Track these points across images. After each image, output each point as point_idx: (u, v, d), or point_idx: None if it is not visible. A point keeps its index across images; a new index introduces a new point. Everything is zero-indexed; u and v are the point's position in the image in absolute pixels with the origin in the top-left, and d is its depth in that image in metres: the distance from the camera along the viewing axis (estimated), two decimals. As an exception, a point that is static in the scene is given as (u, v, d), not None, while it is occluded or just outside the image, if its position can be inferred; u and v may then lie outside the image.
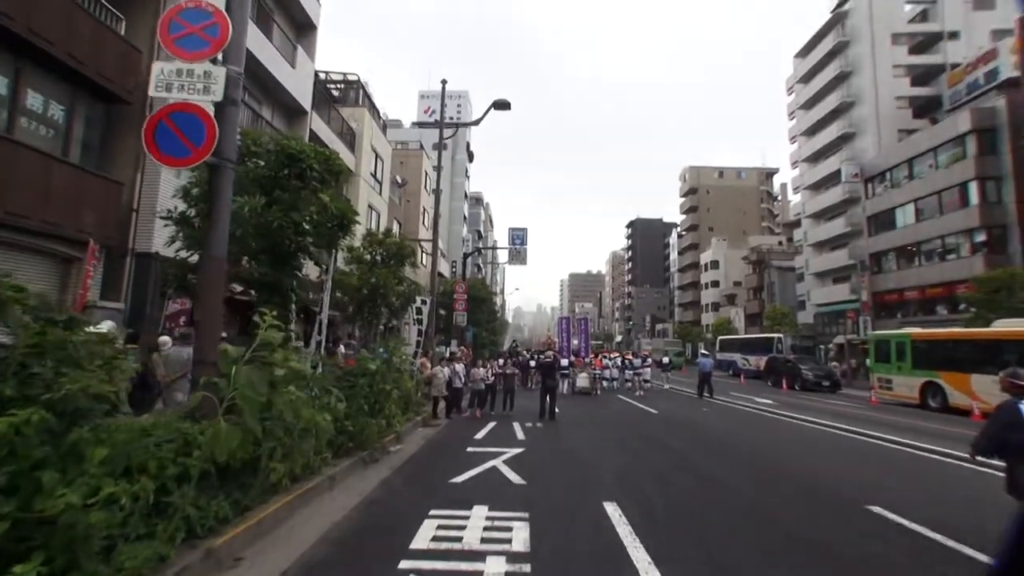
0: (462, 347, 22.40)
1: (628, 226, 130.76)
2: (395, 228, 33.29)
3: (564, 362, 22.96)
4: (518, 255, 30.19)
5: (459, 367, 15.16)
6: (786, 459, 9.86)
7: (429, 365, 15.44)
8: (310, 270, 10.15)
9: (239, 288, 7.40)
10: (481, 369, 15.46)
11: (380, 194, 30.07)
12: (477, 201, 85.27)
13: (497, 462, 8.49)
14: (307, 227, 7.36)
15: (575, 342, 34.07)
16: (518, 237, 30.16)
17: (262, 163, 7.27)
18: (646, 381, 25.07)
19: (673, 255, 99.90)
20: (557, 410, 14.91)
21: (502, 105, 18.30)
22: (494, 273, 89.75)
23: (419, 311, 17.10)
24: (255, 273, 7.14)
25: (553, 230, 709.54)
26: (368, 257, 15.86)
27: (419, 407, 13.29)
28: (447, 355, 18.89)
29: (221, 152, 5.51)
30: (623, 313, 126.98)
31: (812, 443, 11.78)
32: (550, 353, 16.58)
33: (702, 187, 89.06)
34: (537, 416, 14.45)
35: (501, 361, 17.64)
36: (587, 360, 27.33)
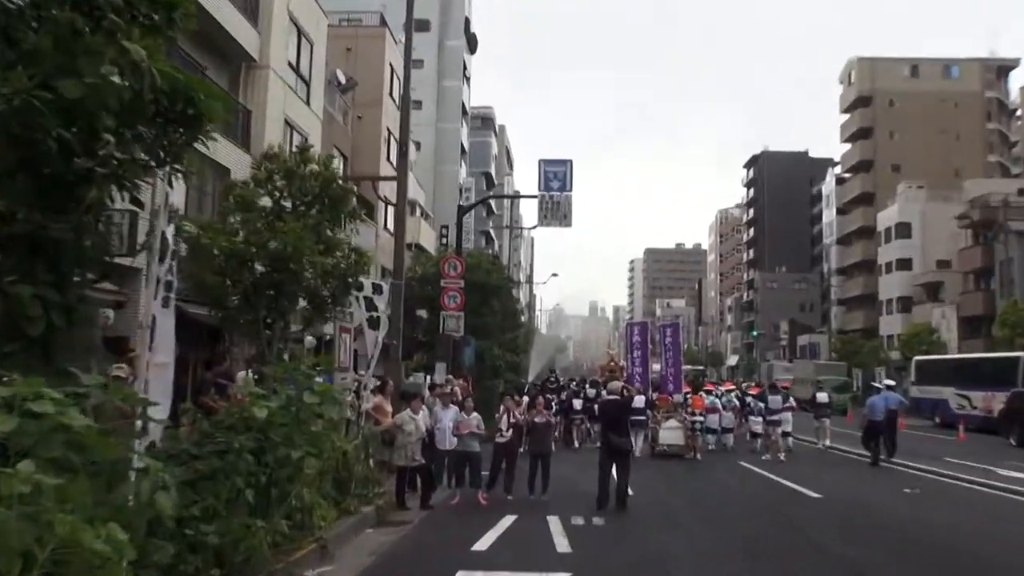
0: (450, 377, 21.88)
1: (748, 165, 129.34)
2: (337, 163, 32.18)
3: (639, 401, 22.87)
4: (556, 209, 28.85)
5: (445, 413, 15.13)
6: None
7: (389, 408, 15.05)
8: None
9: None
10: (474, 416, 15.13)
11: (307, 103, 29.64)
12: (484, 123, 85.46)
13: (515, 608, 8.37)
14: (105, 116, 6.32)
15: (656, 367, 33.09)
16: (556, 177, 28.76)
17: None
18: (786, 434, 25.00)
19: (828, 215, 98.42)
20: (631, 492, 14.65)
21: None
22: (514, 245, 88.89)
23: (372, 304, 16.25)
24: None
25: (617, 179, 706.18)
26: (266, 201, 15.26)
27: (370, 488, 13.04)
28: (426, 389, 18.62)
29: None
30: (740, 316, 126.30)
31: None
32: (617, 385, 16.24)
33: (881, 95, 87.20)
34: (593, 503, 14.24)
35: (525, 401, 17.35)
36: (680, 397, 27.05)
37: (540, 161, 29.28)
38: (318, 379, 10.95)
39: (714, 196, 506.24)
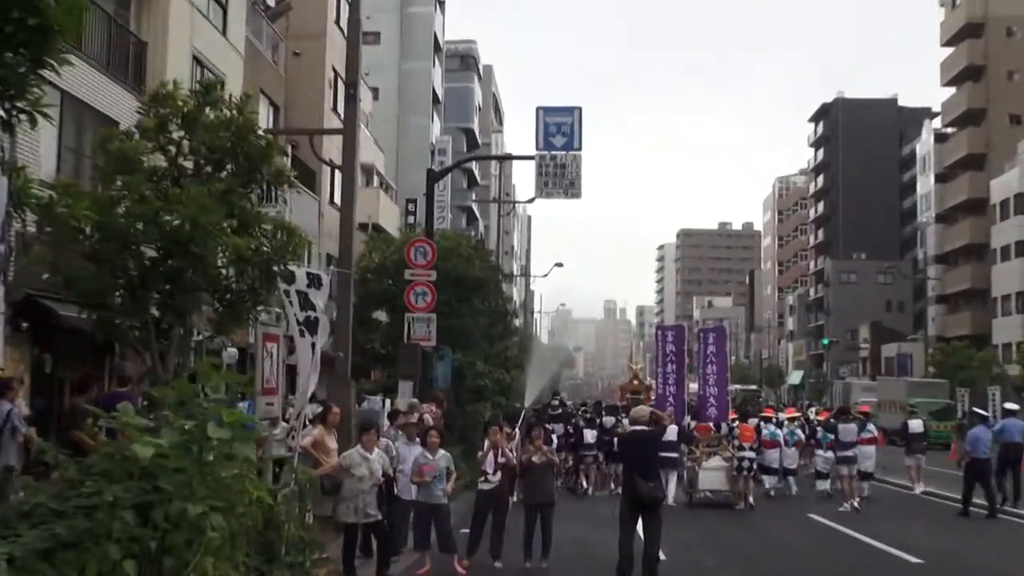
0: (415, 402, 21.67)
1: (816, 117, 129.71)
2: (266, 113, 32.08)
3: (672, 432, 23.07)
4: (561, 175, 28.95)
5: (410, 451, 15.35)
6: None
7: (333, 445, 15.06)
8: None
9: None
10: (441, 454, 15.09)
11: (224, 32, 30.06)
12: (464, 62, 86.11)
13: None
14: None
15: (693, 386, 33.07)
16: (561, 131, 28.80)
17: None
18: (865, 475, 25.54)
19: (924, 182, 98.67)
20: (662, 556, 14.63)
21: None
22: (505, 225, 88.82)
23: (308, 301, 15.91)
24: None
25: (642, 140, 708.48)
26: (155, 159, 15.23)
27: (306, 554, 12.90)
28: (385, 419, 18.94)
29: None
30: (805, 319, 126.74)
31: None
32: (643, 411, 16.20)
33: (996, 21, 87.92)
34: (611, 571, 14.17)
35: (518, 434, 17.53)
36: (726, 428, 27.52)
37: (538, 109, 29.37)
38: (241, 405, 10.68)
39: (770, 160, 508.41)
